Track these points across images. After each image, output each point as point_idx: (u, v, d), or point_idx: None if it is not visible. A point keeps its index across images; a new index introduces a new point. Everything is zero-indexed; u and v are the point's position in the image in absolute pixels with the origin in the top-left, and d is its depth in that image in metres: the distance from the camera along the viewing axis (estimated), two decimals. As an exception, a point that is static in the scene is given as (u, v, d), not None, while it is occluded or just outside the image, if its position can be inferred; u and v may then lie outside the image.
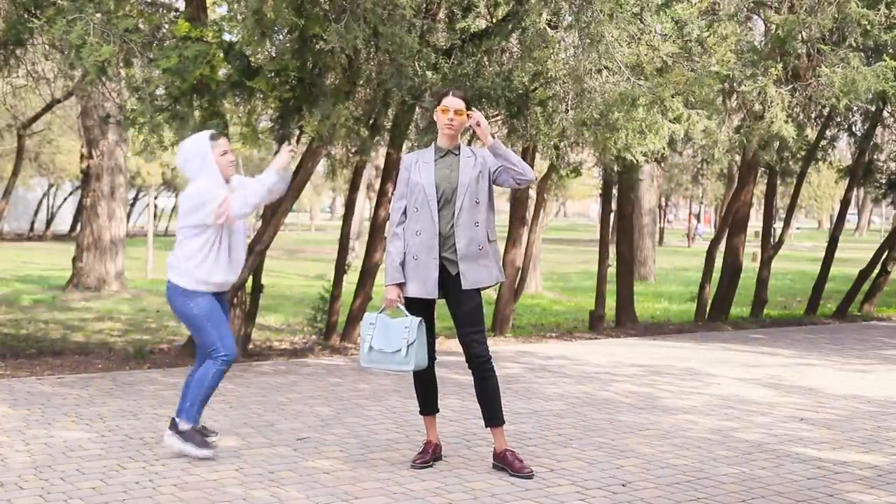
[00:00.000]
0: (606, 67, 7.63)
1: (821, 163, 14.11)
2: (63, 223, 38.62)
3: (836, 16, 8.89)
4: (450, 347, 9.02)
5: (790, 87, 9.56)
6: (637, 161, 8.75)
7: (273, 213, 8.47)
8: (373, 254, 9.58)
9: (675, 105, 7.93)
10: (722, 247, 12.68)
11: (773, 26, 9.69)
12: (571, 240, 41.64)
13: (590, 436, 5.71)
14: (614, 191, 11.93)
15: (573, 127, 8.22)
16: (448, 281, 4.82)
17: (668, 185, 33.84)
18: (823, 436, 5.85)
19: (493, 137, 4.87)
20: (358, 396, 6.73)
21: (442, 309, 5.22)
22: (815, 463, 5.20)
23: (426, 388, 5.02)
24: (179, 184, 36.60)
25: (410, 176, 4.86)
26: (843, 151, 18.55)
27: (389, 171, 9.55)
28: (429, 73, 7.72)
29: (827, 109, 11.51)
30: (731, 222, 12.50)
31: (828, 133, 13.35)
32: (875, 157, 14.48)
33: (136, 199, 36.61)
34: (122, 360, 8.26)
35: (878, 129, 14.11)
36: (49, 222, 37.19)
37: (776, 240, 13.90)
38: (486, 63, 8.30)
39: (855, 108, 12.40)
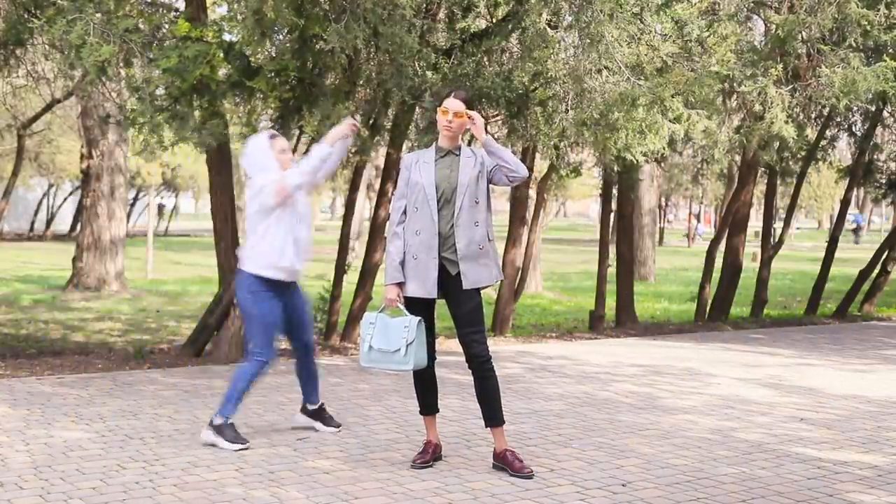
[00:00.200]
0: (606, 67, 7.63)
1: (821, 163, 14.11)
2: (63, 223, 38.61)
3: (836, 16, 8.89)
4: (450, 347, 9.02)
5: (790, 87, 9.56)
6: (637, 161, 8.74)
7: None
8: (373, 254, 9.57)
9: (675, 105, 7.93)
10: (722, 247, 12.67)
11: (773, 26, 9.69)
12: (571, 240, 41.64)
13: (590, 436, 5.71)
14: (614, 191, 11.93)
15: (573, 127, 8.22)
16: (448, 281, 4.83)
17: (668, 185, 33.84)
18: (823, 436, 5.85)
19: (487, 134, 4.88)
20: (358, 396, 6.73)
21: (442, 309, 5.22)
22: (815, 463, 5.20)
23: (426, 388, 5.02)
24: (179, 184, 36.66)
25: (411, 176, 4.87)
26: (843, 151, 18.55)
27: (389, 171, 9.55)
28: (429, 73, 7.72)
29: (827, 109, 11.51)
30: (731, 222, 12.50)
31: (828, 133, 13.34)
32: (875, 157, 14.48)
33: (136, 199, 36.59)
34: (122, 360, 8.26)
35: (878, 129, 14.10)
36: (49, 222, 37.17)
37: (776, 240, 13.90)
38: (486, 63, 8.30)
39: (855, 108, 12.40)
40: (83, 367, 7.85)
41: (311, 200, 5.72)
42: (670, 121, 8.18)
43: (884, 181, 14.75)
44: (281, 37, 7.61)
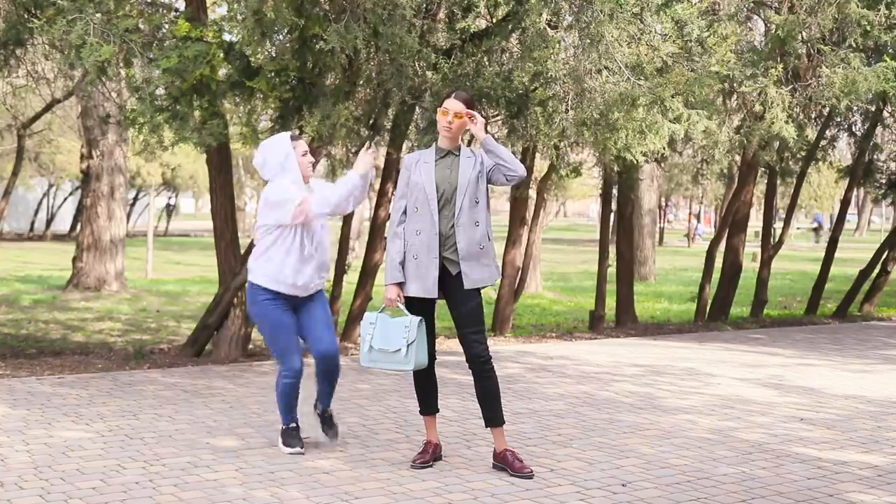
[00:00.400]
0: (606, 67, 7.63)
1: (821, 163, 14.11)
2: (63, 223, 38.61)
3: (836, 16, 8.88)
4: (450, 347, 9.02)
5: (790, 87, 9.55)
6: (637, 161, 8.74)
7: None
8: (373, 254, 9.57)
9: (675, 105, 7.92)
10: (722, 247, 12.67)
11: (773, 26, 9.69)
12: (571, 240, 41.64)
13: (590, 436, 5.71)
14: (614, 191, 11.93)
15: (573, 127, 8.22)
16: (448, 281, 4.83)
17: (668, 185, 33.81)
18: (823, 436, 5.85)
19: (487, 133, 4.89)
20: (358, 396, 6.73)
21: (442, 309, 5.23)
22: (815, 463, 5.20)
23: (426, 388, 5.02)
24: (179, 184, 36.65)
25: (411, 176, 4.88)
26: (843, 151, 18.54)
27: (389, 171, 9.55)
28: (429, 73, 7.72)
29: (827, 109, 11.51)
30: (731, 222, 12.50)
31: (828, 133, 13.34)
32: (875, 157, 14.47)
33: (136, 199, 36.59)
34: (122, 360, 8.26)
35: (878, 129, 14.09)
36: (49, 222, 37.17)
37: (776, 240, 13.90)
38: (486, 63, 8.30)
39: (855, 108, 12.40)
40: (83, 367, 7.84)
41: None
42: (670, 121, 8.18)
43: (884, 181, 14.74)
44: (281, 37, 7.61)
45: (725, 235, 12.72)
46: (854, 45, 9.15)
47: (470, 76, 7.99)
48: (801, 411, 6.58)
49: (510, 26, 8.23)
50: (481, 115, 4.95)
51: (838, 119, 13.15)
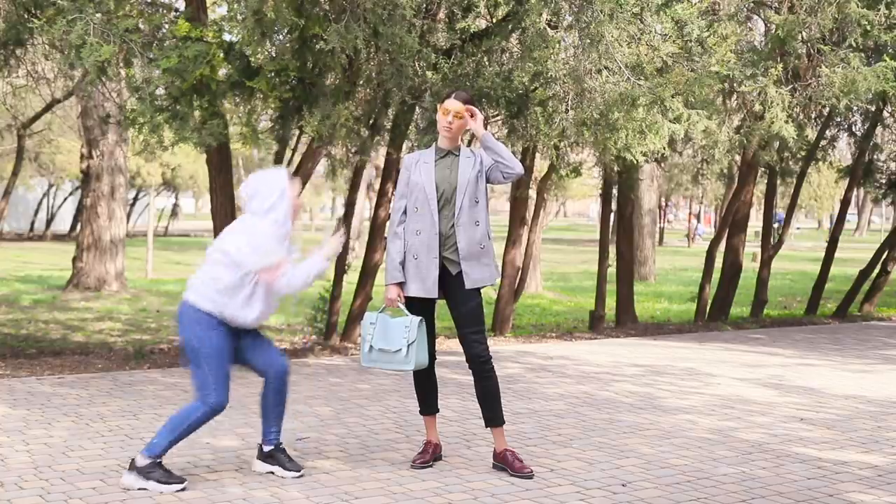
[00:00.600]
0: (606, 67, 7.63)
1: (821, 163, 14.11)
2: (63, 223, 38.61)
3: (836, 16, 8.88)
4: (450, 347, 9.02)
5: (790, 87, 9.55)
6: (637, 161, 8.74)
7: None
8: (373, 254, 9.57)
9: (675, 105, 7.93)
10: (722, 247, 12.67)
11: (773, 26, 9.69)
12: (571, 240, 41.64)
13: (590, 436, 5.71)
14: (614, 191, 11.93)
15: (573, 127, 8.22)
16: (448, 281, 4.83)
17: (668, 185, 33.81)
18: (823, 436, 5.85)
19: (486, 129, 4.89)
20: (358, 396, 6.73)
21: (442, 309, 5.23)
22: (815, 463, 5.20)
23: (426, 388, 5.03)
24: (179, 184, 36.64)
25: (411, 176, 4.88)
26: (843, 151, 18.55)
27: (389, 171, 9.55)
28: (429, 73, 7.72)
29: (827, 109, 11.51)
30: (731, 222, 12.50)
31: (828, 133, 13.34)
32: (875, 157, 14.47)
33: (136, 199, 36.59)
34: (122, 360, 8.25)
35: (878, 129, 14.10)
36: (49, 222, 37.17)
37: (776, 240, 13.90)
38: (486, 63, 8.30)
39: (855, 108, 12.40)
40: (83, 367, 7.84)
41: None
42: (670, 121, 8.18)
43: (884, 181, 14.74)
44: (281, 37, 7.61)
45: (725, 235, 12.73)
46: (854, 45, 9.15)
47: (470, 76, 7.99)
48: (801, 411, 6.58)
49: (510, 26, 8.23)
50: (481, 114, 4.95)
51: (838, 119, 13.15)
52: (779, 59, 9.56)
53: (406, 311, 4.82)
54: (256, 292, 4.63)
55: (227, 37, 7.61)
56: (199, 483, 4.59)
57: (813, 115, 11.72)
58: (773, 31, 9.67)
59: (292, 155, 9.64)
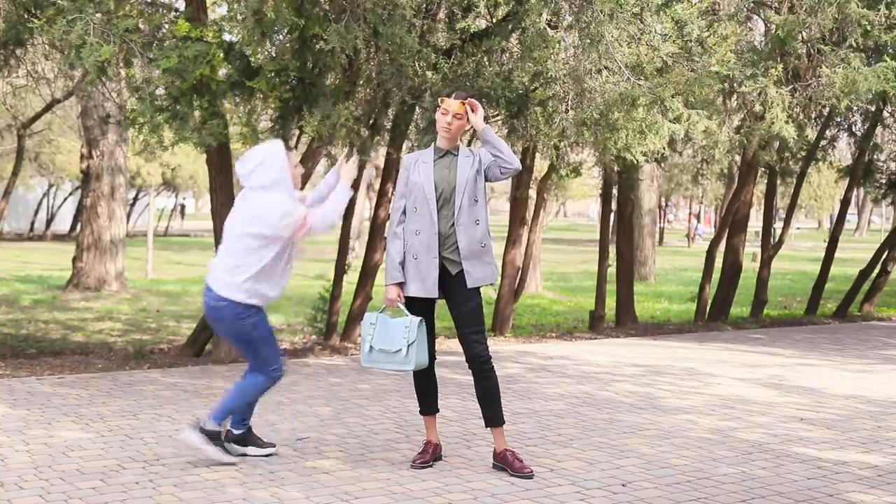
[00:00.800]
0: (606, 67, 7.63)
1: (821, 163, 14.11)
2: (63, 223, 38.62)
3: (837, 16, 8.89)
4: (450, 347, 9.02)
5: (790, 87, 9.56)
6: (637, 161, 8.75)
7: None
8: (373, 254, 9.57)
9: (675, 105, 7.93)
10: (722, 247, 12.68)
11: (773, 26, 9.69)
12: (571, 240, 41.64)
13: (590, 436, 5.71)
14: (614, 191, 11.93)
15: (573, 127, 8.22)
16: (448, 280, 4.83)
17: (668, 185, 33.81)
18: (823, 436, 5.85)
19: (486, 124, 4.89)
20: (358, 396, 6.73)
21: (442, 309, 5.23)
22: (815, 463, 5.20)
23: (426, 388, 5.02)
24: (179, 184, 36.64)
25: (410, 176, 4.88)
26: (843, 151, 18.55)
27: (389, 171, 9.55)
28: (429, 73, 7.72)
29: (827, 109, 11.51)
30: (731, 222, 12.50)
31: (828, 133, 13.34)
32: (875, 157, 14.48)
33: (136, 199, 36.60)
34: (122, 360, 8.26)
35: (878, 129, 14.10)
36: (49, 222, 37.18)
37: (776, 240, 13.89)
38: (486, 63, 8.30)
39: (855, 108, 12.40)
40: (83, 367, 7.84)
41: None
42: (670, 121, 8.18)
43: (884, 181, 14.74)
44: (281, 37, 7.61)
45: (725, 235, 12.73)
46: (854, 45, 9.15)
47: (470, 76, 7.99)
48: (801, 411, 6.58)
49: (510, 26, 8.23)
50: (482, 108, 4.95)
51: (838, 119, 13.15)
52: (779, 59, 9.56)
53: (406, 312, 4.82)
54: (286, 265, 4.86)
55: (227, 37, 7.61)
56: (199, 483, 4.59)
57: (813, 115, 11.72)
58: (773, 31, 9.67)
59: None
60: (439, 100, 4.92)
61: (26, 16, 7.44)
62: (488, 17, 8.99)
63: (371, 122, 8.53)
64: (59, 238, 34.79)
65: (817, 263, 15.47)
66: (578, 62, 7.61)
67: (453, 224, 4.80)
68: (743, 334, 11.15)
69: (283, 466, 4.90)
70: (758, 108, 9.64)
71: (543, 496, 4.51)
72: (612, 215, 12.27)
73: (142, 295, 16.07)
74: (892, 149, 15.13)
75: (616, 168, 10.11)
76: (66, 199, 37.25)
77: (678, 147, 11.00)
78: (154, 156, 17.96)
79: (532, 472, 4.82)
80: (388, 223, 5.52)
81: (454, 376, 7.43)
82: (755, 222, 27.21)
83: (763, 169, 12.85)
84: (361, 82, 8.18)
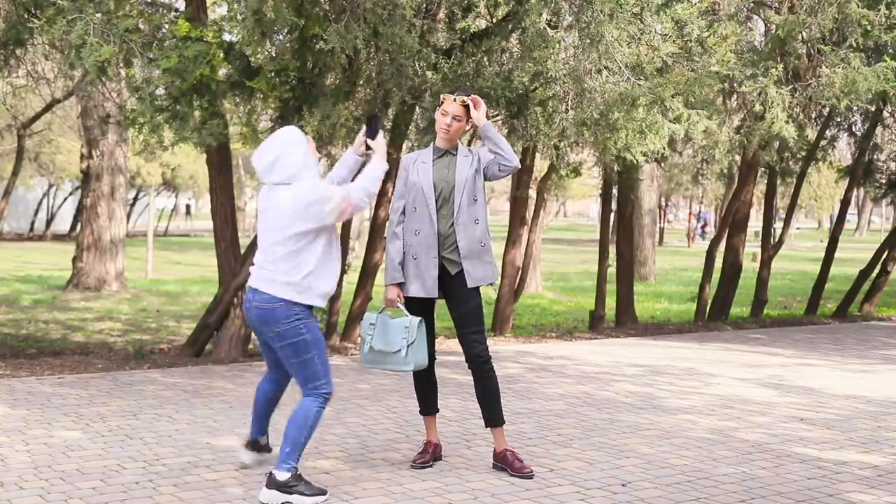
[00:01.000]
0: (606, 67, 7.63)
1: (821, 163, 14.11)
2: (63, 223, 38.61)
3: (837, 16, 8.88)
4: (450, 347, 9.02)
5: (790, 87, 9.56)
6: (637, 161, 8.74)
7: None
8: (373, 254, 9.57)
9: (675, 105, 7.93)
10: (722, 247, 12.68)
11: (773, 26, 9.69)
12: (571, 240, 41.64)
13: (590, 436, 5.71)
14: (614, 191, 11.93)
15: (573, 127, 8.22)
16: (448, 280, 4.83)
17: (668, 185, 33.80)
18: (823, 436, 5.85)
19: (488, 120, 4.89)
20: (358, 396, 6.73)
21: (442, 309, 5.23)
22: (815, 463, 5.20)
23: (426, 388, 5.03)
24: (179, 184, 36.65)
25: (409, 176, 4.88)
26: (843, 151, 18.55)
27: (389, 171, 9.54)
28: (429, 73, 7.72)
29: (827, 109, 11.51)
30: (731, 222, 12.50)
31: (828, 133, 13.34)
32: (875, 157, 14.48)
33: (136, 199, 36.60)
34: (122, 360, 8.26)
35: (878, 129, 14.10)
36: (49, 222, 37.17)
37: (776, 240, 13.89)
38: (486, 63, 8.30)
39: (855, 108, 12.40)
40: (83, 367, 7.85)
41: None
42: (670, 121, 8.18)
43: (884, 181, 14.75)
44: (281, 37, 7.61)
45: (725, 235, 12.73)
46: (854, 45, 9.15)
47: (470, 76, 7.99)
48: (801, 411, 6.58)
49: (510, 26, 8.22)
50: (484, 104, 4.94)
51: (838, 119, 13.15)
52: (779, 59, 9.56)
53: (406, 312, 4.82)
54: (336, 252, 4.55)
55: (227, 37, 7.61)
56: (199, 483, 4.59)
57: (813, 115, 11.72)
58: (773, 31, 9.67)
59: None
60: (442, 97, 4.91)
61: (26, 16, 7.44)
62: (488, 17, 8.99)
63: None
64: (59, 238, 34.78)
65: (817, 263, 15.47)
66: (578, 62, 7.61)
67: (453, 224, 4.80)
68: (743, 334, 11.15)
69: (283, 466, 4.89)
70: (758, 108, 9.64)
71: (543, 496, 4.51)
72: (612, 215, 12.27)
73: (142, 295, 16.07)
74: (892, 149, 15.13)
75: (616, 168, 10.11)
76: (66, 199, 37.25)
77: (678, 147, 11.00)
78: (154, 156, 17.97)
79: (532, 472, 4.82)
80: (387, 223, 5.51)
81: (454, 376, 7.43)
82: (755, 222, 27.20)
83: (763, 169, 12.85)
84: (361, 82, 8.18)
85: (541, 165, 13.85)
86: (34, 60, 9.73)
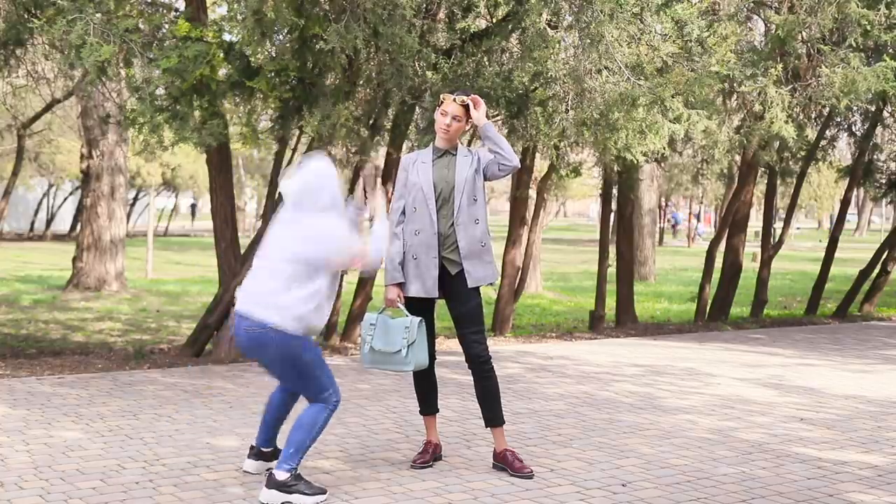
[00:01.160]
0: (606, 67, 7.63)
1: (821, 163, 14.11)
2: (63, 223, 38.61)
3: (836, 16, 8.88)
4: (450, 347, 9.02)
5: (790, 87, 9.56)
6: (637, 161, 8.74)
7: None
8: (373, 254, 9.56)
9: (675, 105, 7.93)
10: (722, 247, 12.68)
11: (773, 26, 9.69)
12: (571, 240, 41.64)
13: (590, 436, 5.71)
14: (614, 191, 11.93)
15: (573, 127, 8.22)
16: (447, 280, 4.83)
17: (668, 185, 33.79)
18: (823, 436, 5.85)
19: (488, 120, 4.89)
20: (358, 396, 6.73)
21: (442, 309, 5.23)
22: (815, 463, 5.20)
23: (426, 388, 5.03)
24: (179, 184, 36.65)
25: (409, 176, 4.88)
26: (843, 151, 18.55)
27: (389, 171, 9.54)
28: (429, 73, 7.72)
29: (827, 109, 11.51)
30: (731, 222, 12.50)
31: (828, 133, 13.34)
32: (875, 157, 14.48)
33: (136, 199, 36.60)
34: (122, 360, 8.26)
35: (878, 129, 14.10)
36: (49, 222, 37.17)
37: (776, 240, 13.89)
38: (486, 63, 8.30)
39: (855, 108, 12.40)
40: (83, 367, 7.84)
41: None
42: (670, 121, 8.18)
43: (884, 181, 14.75)
44: (281, 37, 7.61)
45: (725, 235, 12.73)
46: (854, 45, 9.15)
47: (470, 76, 7.99)
48: (801, 411, 6.58)
49: (510, 26, 8.22)
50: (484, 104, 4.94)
51: (838, 119, 13.15)
52: (779, 59, 9.56)
53: (406, 312, 4.82)
54: (335, 291, 4.54)
55: (227, 37, 7.61)
56: (199, 483, 4.59)
57: (813, 115, 11.72)
58: (773, 31, 9.67)
59: (292, 155, 9.64)
60: (441, 97, 4.91)
61: (26, 16, 7.44)
62: (488, 17, 8.99)
63: (371, 122, 8.53)
64: (59, 238, 34.78)
65: (817, 263, 15.47)
66: (578, 62, 7.61)
67: (453, 224, 4.80)
68: (743, 334, 11.15)
69: (283, 466, 4.89)
70: (758, 108, 9.64)
71: (543, 496, 4.51)
72: (612, 215, 12.27)
73: (142, 295, 16.07)
74: (892, 149, 15.13)
75: (616, 168, 10.11)
76: (66, 199, 37.25)
77: (678, 147, 11.00)
78: (154, 156, 17.94)
79: (532, 472, 4.82)
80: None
81: (454, 376, 7.43)
82: (755, 222, 27.20)
83: (763, 169, 12.85)
84: (361, 82, 8.18)
85: (541, 165, 13.85)
86: (34, 60, 9.73)
